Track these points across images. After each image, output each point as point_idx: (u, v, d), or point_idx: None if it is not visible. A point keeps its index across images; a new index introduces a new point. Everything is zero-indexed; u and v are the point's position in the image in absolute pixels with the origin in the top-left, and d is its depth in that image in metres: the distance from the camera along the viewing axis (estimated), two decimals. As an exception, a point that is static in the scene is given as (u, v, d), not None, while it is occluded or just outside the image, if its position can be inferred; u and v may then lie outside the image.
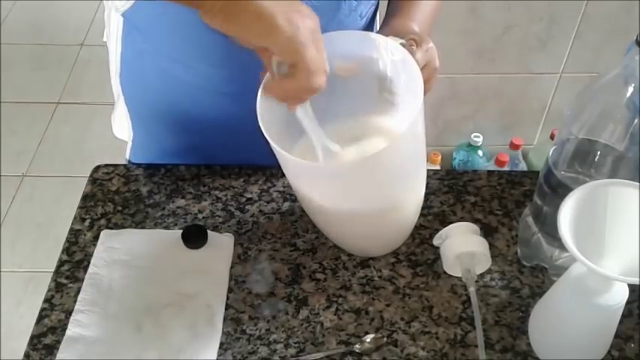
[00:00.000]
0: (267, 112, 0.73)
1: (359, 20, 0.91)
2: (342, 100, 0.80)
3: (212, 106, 0.94)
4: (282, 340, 0.80)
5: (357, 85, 0.79)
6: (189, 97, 0.93)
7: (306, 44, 0.64)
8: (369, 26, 0.92)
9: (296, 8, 0.64)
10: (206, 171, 1.00)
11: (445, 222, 0.92)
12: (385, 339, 0.80)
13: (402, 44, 0.79)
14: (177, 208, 0.95)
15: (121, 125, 1.05)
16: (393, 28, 0.85)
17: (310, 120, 0.74)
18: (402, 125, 0.78)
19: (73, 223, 0.93)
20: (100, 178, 0.99)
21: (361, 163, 0.72)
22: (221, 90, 0.91)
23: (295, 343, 0.80)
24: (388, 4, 0.93)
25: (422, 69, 0.79)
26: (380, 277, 0.87)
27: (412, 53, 0.78)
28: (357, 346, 0.80)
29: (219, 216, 0.94)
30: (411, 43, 0.79)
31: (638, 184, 0.69)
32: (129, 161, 1.07)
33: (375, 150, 0.72)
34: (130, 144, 1.07)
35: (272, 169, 0.98)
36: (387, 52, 0.76)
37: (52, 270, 0.87)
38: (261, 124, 0.72)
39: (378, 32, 0.86)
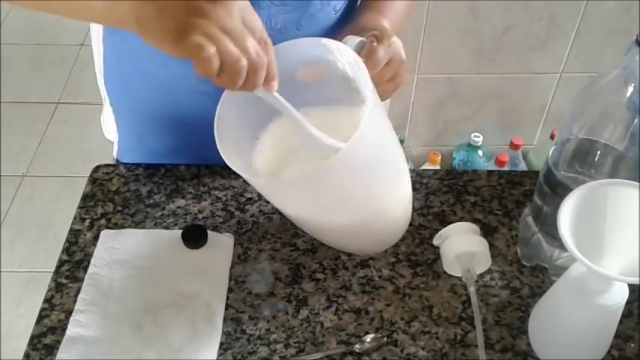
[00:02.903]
0: (226, 128, 0.73)
1: (333, 14, 0.89)
2: (316, 104, 0.79)
3: (191, 105, 0.93)
4: (282, 340, 0.80)
5: (327, 87, 0.78)
6: (169, 97, 0.93)
7: (203, 43, 0.60)
8: (345, 21, 0.91)
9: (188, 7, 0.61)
10: (206, 171, 1.00)
11: (445, 222, 0.92)
12: (385, 339, 0.80)
13: (361, 42, 0.78)
14: (177, 208, 0.95)
15: (110, 127, 1.05)
16: (362, 22, 0.85)
17: (284, 106, 0.71)
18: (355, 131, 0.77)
19: (73, 223, 0.93)
20: (100, 178, 0.99)
21: (307, 175, 0.71)
22: (198, 88, 0.89)
23: (295, 343, 0.80)
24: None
25: (387, 64, 0.78)
26: (380, 277, 0.87)
27: (374, 50, 0.77)
28: (357, 346, 0.80)
29: (219, 216, 0.94)
30: (372, 39, 0.78)
31: (638, 184, 0.70)
32: (117, 161, 1.06)
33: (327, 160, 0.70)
34: (115, 145, 1.07)
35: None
36: (341, 55, 0.75)
37: (52, 270, 0.87)
38: (220, 151, 0.72)
39: (349, 27, 0.85)
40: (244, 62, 0.62)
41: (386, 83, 0.80)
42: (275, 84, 0.67)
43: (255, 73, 0.63)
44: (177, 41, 0.61)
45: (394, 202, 0.82)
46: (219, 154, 0.73)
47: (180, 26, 0.60)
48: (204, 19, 0.60)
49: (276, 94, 0.69)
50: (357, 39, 0.78)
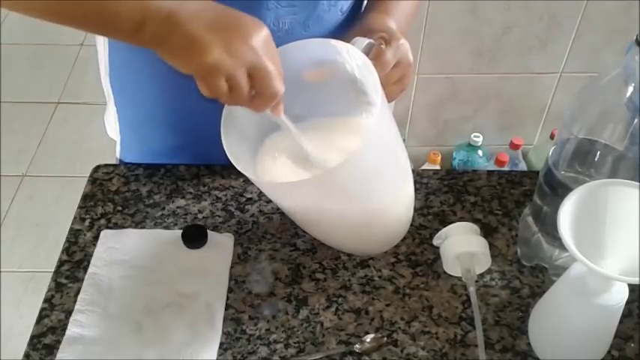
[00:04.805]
0: (233, 126, 0.75)
1: (340, 16, 0.89)
2: (323, 105, 0.80)
3: (196, 103, 0.93)
4: (282, 340, 0.80)
5: (335, 89, 0.78)
6: (174, 96, 0.93)
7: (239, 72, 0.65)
8: (351, 22, 0.91)
9: (232, 33, 0.65)
10: (206, 171, 1.00)
11: (445, 222, 0.92)
12: (385, 339, 0.80)
13: (369, 44, 0.78)
14: (177, 208, 0.95)
15: (114, 126, 1.05)
16: (369, 23, 0.85)
17: (290, 129, 0.74)
18: (364, 134, 0.76)
19: (73, 223, 0.93)
20: (100, 178, 0.99)
21: (315, 178, 0.72)
22: None
23: (295, 343, 0.80)
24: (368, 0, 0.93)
25: (394, 66, 0.78)
26: (380, 277, 0.87)
27: (382, 52, 0.77)
28: (357, 346, 0.80)
29: (219, 216, 0.94)
30: (380, 41, 0.78)
31: (638, 184, 0.70)
32: (120, 161, 1.07)
33: (332, 165, 0.71)
34: (118, 144, 1.07)
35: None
36: (350, 57, 0.75)
37: (52, 270, 0.87)
38: (226, 148, 0.73)
39: (355, 28, 0.85)
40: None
41: (392, 85, 0.80)
42: (281, 108, 0.72)
43: (270, 101, 0.69)
44: (202, 79, 0.66)
45: (396, 203, 0.82)
46: (223, 152, 0.73)
47: (205, 64, 0.64)
48: (231, 58, 0.64)
49: (283, 117, 0.73)
50: (366, 41, 0.78)
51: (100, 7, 0.66)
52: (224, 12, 0.66)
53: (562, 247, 0.71)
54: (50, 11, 0.68)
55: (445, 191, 0.98)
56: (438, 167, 2.02)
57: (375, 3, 0.90)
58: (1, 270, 2.00)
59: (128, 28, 0.66)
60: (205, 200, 0.96)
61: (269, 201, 0.95)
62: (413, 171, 0.87)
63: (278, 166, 0.79)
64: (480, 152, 2.02)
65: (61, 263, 0.88)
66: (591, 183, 0.71)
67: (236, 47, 0.64)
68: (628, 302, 0.71)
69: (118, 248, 0.88)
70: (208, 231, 0.89)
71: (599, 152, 0.76)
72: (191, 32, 0.64)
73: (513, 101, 1.96)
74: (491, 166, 1.98)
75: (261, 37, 0.66)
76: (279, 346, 0.80)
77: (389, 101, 0.78)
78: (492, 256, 0.86)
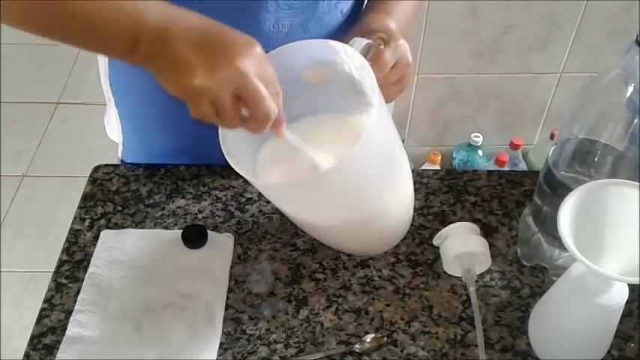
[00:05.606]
0: (231, 133, 0.74)
1: (340, 17, 0.89)
2: (321, 105, 0.80)
3: None
4: (282, 340, 0.80)
5: (333, 89, 0.78)
6: (174, 97, 0.93)
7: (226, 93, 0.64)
8: (352, 23, 0.90)
9: (218, 55, 0.63)
10: (206, 171, 1.00)
11: (445, 222, 0.92)
12: (385, 339, 0.80)
13: (368, 44, 0.78)
14: (177, 208, 0.95)
15: (114, 127, 1.05)
16: (368, 23, 0.84)
17: (294, 139, 0.73)
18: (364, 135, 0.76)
19: (73, 223, 0.93)
20: (100, 178, 0.99)
21: (314, 179, 0.72)
22: None
23: (295, 343, 0.80)
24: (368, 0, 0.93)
25: (393, 67, 0.78)
26: (380, 277, 0.87)
27: (380, 53, 0.77)
28: (357, 346, 0.80)
29: (219, 216, 0.94)
30: (379, 42, 0.78)
31: (638, 184, 0.70)
32: (122, 161, 1.07)
33: (328, 166, 0.71)
34: (120, 145, 1.07)
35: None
36: (348, 58, 0.75)
37: (52, 270, 0.87)
38: (224, 149, 0.73)
39: (355, 28, 0.85)
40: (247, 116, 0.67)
41: (391, 86, 0.80)
42: (283, 128, 0.70)
43: (264, 124, 0.67)
44: (187, 103, 0.65)
45: (396, 204, 0.82)
46: (221, 153, 0.73)
47: (189, 88, 0.63)
48: (215, 82, 0.63)
49: (288, 134, 0.72)
50: (364, 41, 0.78)
51: (92, 23, 0.65)
52: (214, 30, 0.65)
53: (562, 247, 0.71)
54: (43, 28, 0.67)
55: (445, 191, 0.98)
56: (438, 167, 2.02)
57: (375, 3, 0.89)
58: (1, 270, 2.00)
59: (122, 44, 0.65)
60: (205, 200, 0.96)
61: (269, 201, 0.95)
62: (413, 171, 0.87)
63: (277, 168, 0.79)
64: (480, 152, 2.02)
65: (61, 263, 0.88)
66: (591, 183, 0.71)
67: (221, 70, 0.62)
68: (628, 302, 0.71)
69: (118, 248, 0.88)
70: (208, 231, 0.89)
71: (599, 152, 0.76)
72: (178, 53, 0.63)
73: (513, 101, 1.96)
74: (491, 166, 1.98)
75: (250, 57, 0.64)
76: (279, 346, 0.80)
77: (388, 102, 0.78)
78: (492, 256, 0.86)
